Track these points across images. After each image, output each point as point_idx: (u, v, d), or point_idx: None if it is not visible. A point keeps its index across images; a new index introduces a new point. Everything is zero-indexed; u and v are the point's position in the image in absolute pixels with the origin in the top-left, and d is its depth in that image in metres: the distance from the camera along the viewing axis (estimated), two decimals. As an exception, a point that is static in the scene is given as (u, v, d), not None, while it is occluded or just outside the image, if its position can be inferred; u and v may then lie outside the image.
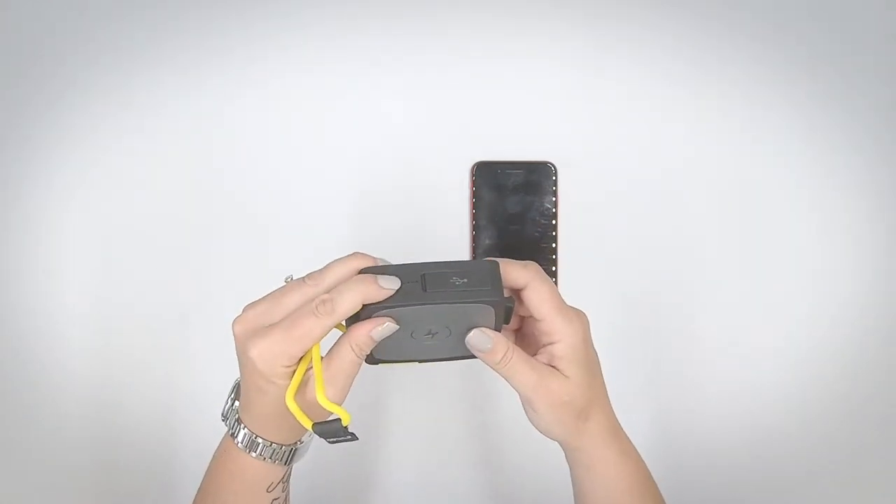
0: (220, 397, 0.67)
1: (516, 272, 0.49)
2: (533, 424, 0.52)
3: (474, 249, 0.71)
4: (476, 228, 0.72)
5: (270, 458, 0.50)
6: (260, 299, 0.48)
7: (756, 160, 0.73)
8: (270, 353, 0.46)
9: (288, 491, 0.54)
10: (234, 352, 0.48)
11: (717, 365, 0.72)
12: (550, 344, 0.50)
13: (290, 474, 0.53)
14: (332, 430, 0.47)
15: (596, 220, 0.73)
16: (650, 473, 0.55)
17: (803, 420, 0.72)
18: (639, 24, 0.73)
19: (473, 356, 0.50)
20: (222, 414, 0.52)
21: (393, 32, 0.74)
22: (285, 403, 0.46)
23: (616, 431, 0.53)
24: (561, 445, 0.53)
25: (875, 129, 0.73)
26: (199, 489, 0.53)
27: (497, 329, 0.49)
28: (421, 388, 0.73)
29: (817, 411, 0.72)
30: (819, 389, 0.72)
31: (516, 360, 0.49)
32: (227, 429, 0.52)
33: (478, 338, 0.48)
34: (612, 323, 0.72)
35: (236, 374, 0.51)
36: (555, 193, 0.72)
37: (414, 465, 0.72)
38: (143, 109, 0.73)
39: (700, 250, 0.73)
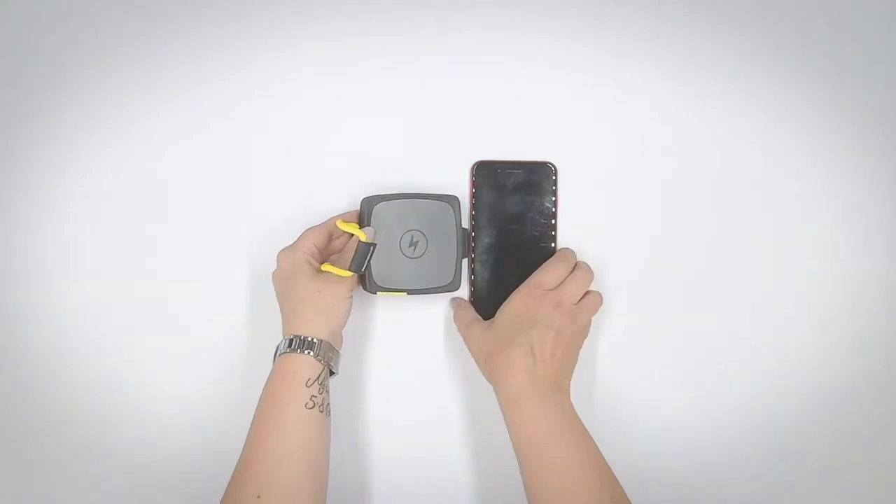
0: (220, 396, 0.68)
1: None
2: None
3: (473, 249, 0.72)
4: (476, 228, 0.72)
5: (310, 350, 0.62)
6: None
7: (757, 159, 0.73)
8: (284, 254, 0.66)
9: (327, 403, 0.63)
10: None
11: (719, 364, 0.72)
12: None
13: (327, 384, 0.63)
14: (361, 255, 0.65)
15: (595, 219, 0.73)
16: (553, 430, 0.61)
17: (810, 421, 0.72)
18: (637, 23, 0.74)
19: (449, 289, 0.69)
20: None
21: (393, 31, 0.74)
22: (320, 278, 0.64)
23: (515, 391, 0.62)
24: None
25: (878, 129, 0.73)
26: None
27: (466, 255, 0.70)
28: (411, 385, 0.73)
29: (825, 410, 0.72)
30: (823, 385, 0.72)
31: (459, 309, 0.71)
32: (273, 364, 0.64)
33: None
34: (612, 323, 0.72)
35: (240, 373, 0.68)
36: (555, 193, 0.72)
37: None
38: (144, 110, 0.73)
39: (701, 250, 0.73)
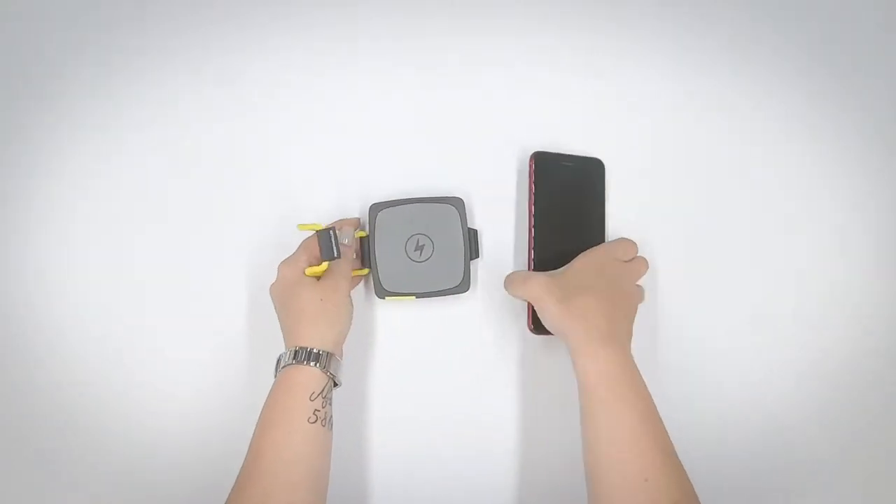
0: (221, 397, 0.72)
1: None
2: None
3: (534, 237, 0.71)
4: (536, 214, 0.71)
5: (315, 362, 0.62)
6: None
7: (757, 160, 0.74)
8: (285, 266, 0.67)
9: (330, 416, 0.63)
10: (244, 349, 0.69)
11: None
12: None
13: (330, 396, 0.63)
14: (324, 243, 0.65)
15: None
16: (635, 386, 0.61)
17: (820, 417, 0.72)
18: (640, 24, 0.75)
19: (458, 291, 0.69)
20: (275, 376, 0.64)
21: (397, 34, 0.74)
22: (321, 288, 0.65)
23: (588, 338, 0.62)
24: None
25: (878, 129, 0.74)
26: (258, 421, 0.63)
27: (473, 256, 0.70)
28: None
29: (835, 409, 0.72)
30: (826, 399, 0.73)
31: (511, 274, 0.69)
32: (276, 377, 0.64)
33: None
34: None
35: (243, 375, 0.69)
36: (603, 186, 0.73)
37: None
38: (143, 113, 0.74)
39: (699, 247, 0.73)
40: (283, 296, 0.66)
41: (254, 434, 0.62)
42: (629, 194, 0.73)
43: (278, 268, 0.67)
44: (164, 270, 0.73)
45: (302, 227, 0.67)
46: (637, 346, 0.63)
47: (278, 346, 0.65)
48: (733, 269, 0.73)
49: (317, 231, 0.66)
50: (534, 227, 0.71)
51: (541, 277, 0.65)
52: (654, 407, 0.61)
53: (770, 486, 0.71)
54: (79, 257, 0.73)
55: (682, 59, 0.74)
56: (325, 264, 0.66)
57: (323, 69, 0.74)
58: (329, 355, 0.63)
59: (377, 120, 0.74)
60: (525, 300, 0.68)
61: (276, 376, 0.64)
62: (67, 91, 0.74)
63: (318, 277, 0.66)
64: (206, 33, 0.74)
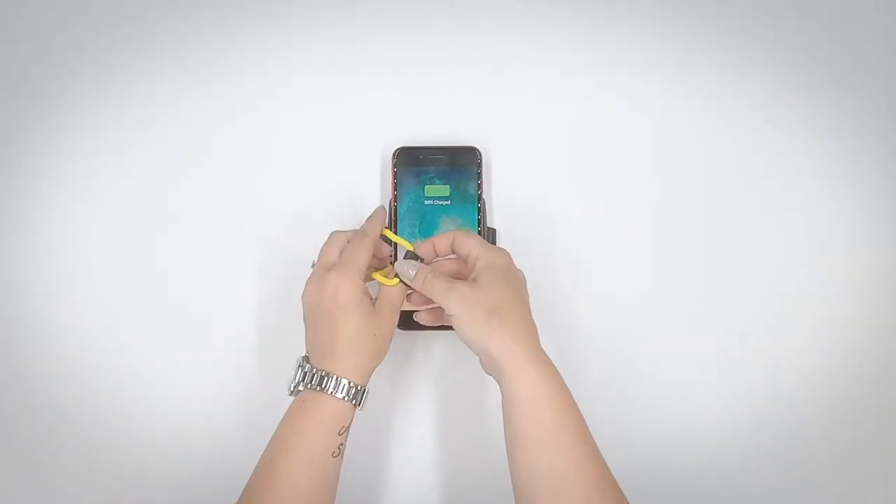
0: (227, 398, 0.71)
1: (442, 239, 0.63)
2: (458, 335, 0.59)
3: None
4: (398, 216, 0.69)
5: (357, 401, 0.59)
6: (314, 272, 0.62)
7: (756, 161, 0.74)
8: (339, 274, 0.59)
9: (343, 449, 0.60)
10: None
11: (721, 360, 0.72)
12: (475, 264, 0.60)
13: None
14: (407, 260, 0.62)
15: (592, 219, 0.73)
16: (576, 406, 0.57)
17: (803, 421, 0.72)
18: (636, 26, 0.75)
19: None
20: (289, 391, 0.60)
21: (394, 33, 0.74)
22: (376, 320, 0.60)
23: (534, 348, 0.58)
24: (484, 360, 0.59)
25: (877, 131, 0.74)
26: (269, 447, 0.59)
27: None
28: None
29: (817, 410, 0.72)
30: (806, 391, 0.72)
31: (433, 277, 0.60)
32: (293, 398, 0.60)
33: (403, 266, 0.62)
34: (614, 321, 0.72)
35: (249, 375, 0.65)
36: (479, 177, 0.69)
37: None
38: (147, 110, 0.74)
39: (699, 252, 0.73)
40: (332, 311, 0.59)
41: (267, 456, 0.58)
42: (627, 194, 0.73)
43: (326, 274, 0.60)
44: (164, 270, 0.72)
45: (387, 233, 0.65)
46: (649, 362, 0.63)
47: (281, 349, 0.65)
48: (732, 271, 0.73)
49: (406, 252, 0.63)
50: (396, 229, 0.69)
51: (461, 289, 0.58)
52: (586, 424, 0.58)
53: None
54: (79, 258, 0.73)
55: (682, 59, 0.74)
56: (395, 279, 0.62)
57: (323, 69, 0.74)
58: (366, 392, 0.60)
59: (377, 120, 0.74)
60: (441, 306, 0.60)
61: (296, 387, 0.60)
62: (67, 91, 0.74)
63: (367, 280, 0.62)
64: (205, 34, 0.74)
